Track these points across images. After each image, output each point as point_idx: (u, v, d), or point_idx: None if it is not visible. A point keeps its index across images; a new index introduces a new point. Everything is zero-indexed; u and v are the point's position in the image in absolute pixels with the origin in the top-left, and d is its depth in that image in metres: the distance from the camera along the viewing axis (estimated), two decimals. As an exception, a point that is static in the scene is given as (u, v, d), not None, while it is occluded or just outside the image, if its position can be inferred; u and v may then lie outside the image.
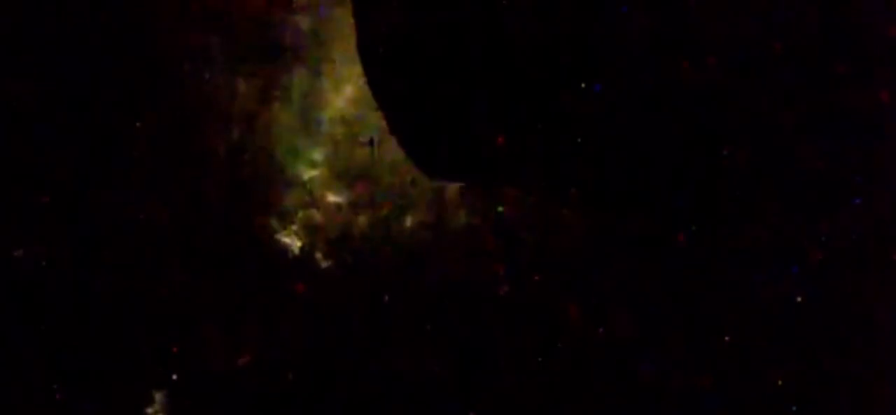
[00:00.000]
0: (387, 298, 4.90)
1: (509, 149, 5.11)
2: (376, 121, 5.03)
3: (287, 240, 4.98)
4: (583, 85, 5.11)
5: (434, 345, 4.91)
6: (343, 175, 5.04)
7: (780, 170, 5.10)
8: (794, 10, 5.08)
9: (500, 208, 5.12)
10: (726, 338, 5.07)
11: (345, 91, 5.06)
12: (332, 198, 5.03)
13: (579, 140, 5.12)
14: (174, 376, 4.83)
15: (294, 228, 4.99)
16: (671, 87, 5.10)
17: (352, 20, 5.02)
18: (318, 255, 4.99)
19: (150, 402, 4.82)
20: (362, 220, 5.02)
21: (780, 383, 5.05)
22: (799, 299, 5.06)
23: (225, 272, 4.93)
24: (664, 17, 5.09)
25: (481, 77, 5.11)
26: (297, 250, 4.98)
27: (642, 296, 5.09)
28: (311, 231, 5.00)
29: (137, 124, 4.94)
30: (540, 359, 5.08)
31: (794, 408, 5.06)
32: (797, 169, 5.10)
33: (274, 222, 4.99)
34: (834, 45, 5.09)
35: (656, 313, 5.08)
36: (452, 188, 5.06)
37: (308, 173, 5.03)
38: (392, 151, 5.01)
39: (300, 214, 5.01)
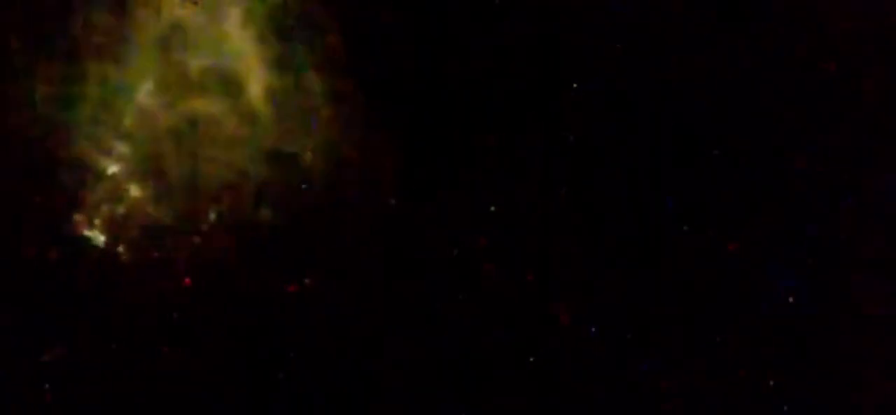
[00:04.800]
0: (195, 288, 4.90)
1: (501, 149, 5.12)
2: (175, 117, 5.01)
3: (91, 234, 4.95)
4: (575, 85, 5.14)
5: (231, 339, 4.90)
6: (146, 168, 5.02)
7: (772, 171, 5.13)
8: (784, 12, 5.13)
9: (492, 208, 5.13)
10: (717, 338, 5.08)
11: (145, 85, 5.02)
12: (135, 191, 5.02)
13: (571, 140, 5.14)
14: None
15: (97, 222, 4.96)
16: (663, 89, 5.13)
17: (150, 14, 5.02)
18: (122, 248, 5.01)
19: None
20: (166, 213, 4.99)
21: (771, 383, 5.06)
22: (791, 300, 5.08)
23: (28, 268, 4.90)
24: (655, 18, 5.13)
25: (473, 77, 5.13)
26: (101, 244, 4.96)
27: (634, 296, 5.09)
28: (115, 225, 5.03)
29: None
30: (532, 359, 5.07)
31: (785, 408, 5.06)
32: (788, 170, 5.13)
33: (78, 217, 4.97)
34: (824, 45, 5.14)
35: (648, 313, 5.09)
36: (264, 182, 5.04)
37: (111, 167, 5.05)
38: (197, 145, 5.00)
39: (104, 208, 4.99)
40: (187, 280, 5.00)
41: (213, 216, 4.99)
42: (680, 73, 5.13)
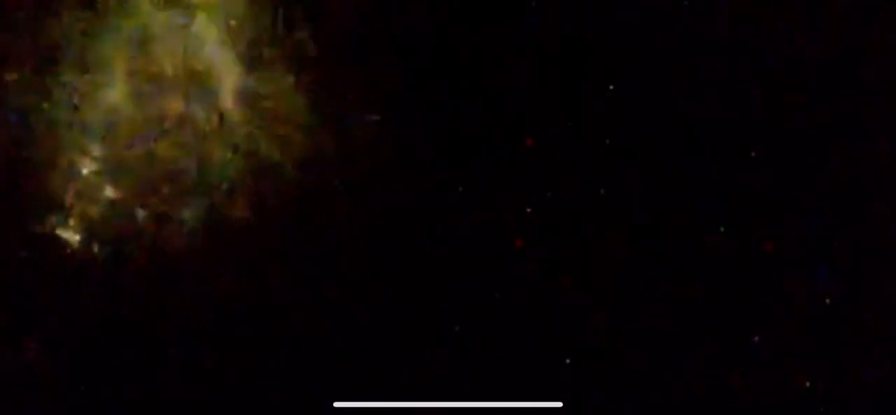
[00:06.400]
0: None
1: (537, 151, 5.12)
2: (149, 115, 5.03)
3: (65, 235, 5.02)
4: (611, 87, 5.13)
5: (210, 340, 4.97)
6: (120, 170, 5.01)
7: (808, 171, 5.12)
8: (822, 12, 5.11)
9: (528, 210, 5.13)
10: (755, 338, 5.08)
11: (117, 87, 5.04)
12: (109, 192, 5.06)
13: (607, 142, 5.13)
14: None
15: (72, 223, 5.03)
16: (699, 89, 5.12)
17: (122, 17, 5.07)
18: (96, 248, 5.00)
19: None
20: (140, 214, 5.02)
21: (808, 384, 5.06)
22: (827, 301, 5.08)
23: (2, 269, 4.95)
24: (692, 19, 5.11)
25: (509, 79, 5.13)
26: (75, 245, 5.02)
27: (670, 297, 5.09)
28: (89, 226, 5.01)
29: None
30: (568, 361, 5.09)
31: (821, 410, 5.06)
32: (824, 170, 5.11)
33: (52, 218, 4.99)
34: (862, 47, 5.12)
35: (684, 314, 5.09)
36: (225, 185, 5.05)
37: (85, 168, 5.04)
38: (169, 145, 5.07)
39: (78, 208, 5.01)
40: (223, 281, 5.02)
41: (186, 216, 5.02)
42: (717, 73, 5.11)
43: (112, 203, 5.00)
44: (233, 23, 5.05)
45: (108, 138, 5.00)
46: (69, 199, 4.98)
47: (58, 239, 4.97)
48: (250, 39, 5.05)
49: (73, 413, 4.96)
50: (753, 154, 5.11)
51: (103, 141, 4.99)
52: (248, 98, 5.05)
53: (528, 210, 5.11)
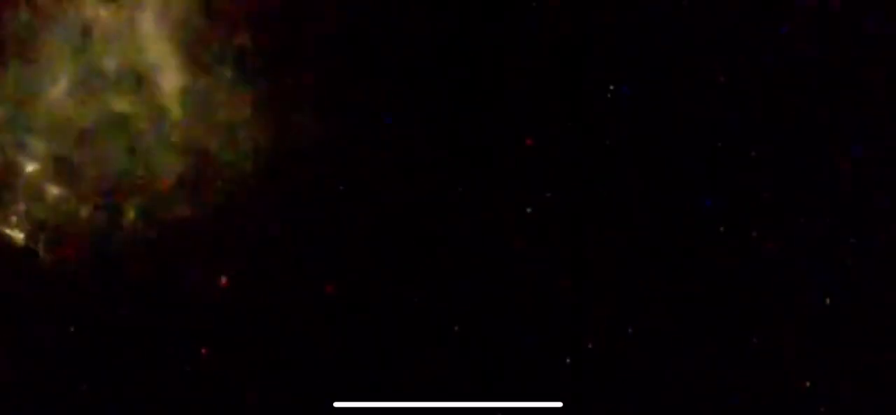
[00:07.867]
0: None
1: (537, 151, 5.12)
2: (93, 113, 5.02)
3: (10, 233, 4.98)
4: (611, 87, 5.12)
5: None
6: (64, 167, 4.99)
7: (808, 172, 5.12)
8: (824, 13, 5.11)
9: (529, 210, 5.13)
10: (754, 339, 5.08)
11: (60, 83, 4.99)
12: (54, 190, 5.02)
13: (607, 143, 5.13)
14: None
15: (16, 220, 5.00)
16: (699, 89, 5.12)
17: (64, 13, 5.02)
18: (41, 247, 4.97)
19: None
20: (85, 211, 5.01)
21: (808, 384, 5.06)
22: (827, 301, 5.08)
23: None
24: (693, 18, 5.11)
25: (509, 79, 5.13)
26: (20, 243, 4.98)
27: (671, 297, 5.09)
28: (33, 223, 4.98)
29: None
30: (568, 360, 5.09)
31: (821, 409, 5.07)
32: (825, 171, 5.12)
33: None
34: (863, 47, 5.12)
35: (685, 314, 5.09)
36: (167, 181, 5.05)
37: (29, 166, 5.01)
38: (112, 142, 5.02)
39: (22, 206, 4.99)
40: (224, 281, 5.02)
41: (131, 214, 5.01)
42: (718, 73, 5.11)
43: (57, 200, 4.99)
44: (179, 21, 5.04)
45: (53, 136, 4.99)
46: (12, 196, 4.97)
47: (2, 237, 4.97)
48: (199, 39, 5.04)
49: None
50: (753, 154, 5.11)
51: (47, 139, 4.97)
52: (206, 101, 5.04)
53: (528, 210, 5.11)
